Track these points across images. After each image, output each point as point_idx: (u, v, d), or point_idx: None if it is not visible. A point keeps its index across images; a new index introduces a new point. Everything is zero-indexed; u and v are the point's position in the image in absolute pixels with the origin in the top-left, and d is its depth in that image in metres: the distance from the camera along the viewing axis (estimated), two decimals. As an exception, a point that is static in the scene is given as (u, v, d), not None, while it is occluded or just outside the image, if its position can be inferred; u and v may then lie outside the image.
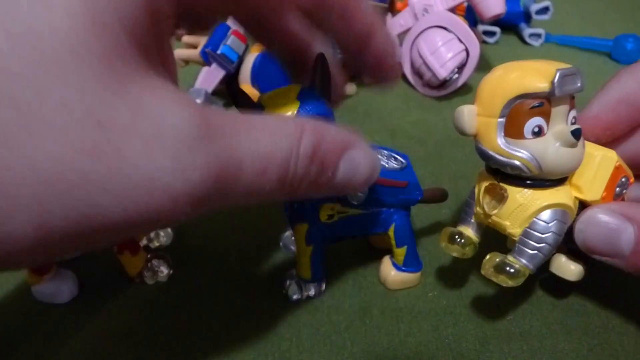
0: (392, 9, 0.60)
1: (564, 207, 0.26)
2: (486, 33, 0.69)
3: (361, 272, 0.34)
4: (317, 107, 0.26)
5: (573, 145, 0.24)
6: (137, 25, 0.17)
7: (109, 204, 0.15)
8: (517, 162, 0.25)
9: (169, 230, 0.36)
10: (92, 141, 0.15)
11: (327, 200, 0.30)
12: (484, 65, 0.63)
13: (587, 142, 0.27)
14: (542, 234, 0.26)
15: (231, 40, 0.51)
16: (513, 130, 0.25)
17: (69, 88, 0.14)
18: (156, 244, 0.36)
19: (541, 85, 0.23)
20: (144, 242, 0.36)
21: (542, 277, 0.31)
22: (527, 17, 0.70)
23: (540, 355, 0.28)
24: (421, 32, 0.55)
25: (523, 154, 0.24)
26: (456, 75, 0.54)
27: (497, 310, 0.30)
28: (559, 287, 0.31)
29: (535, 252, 0.26)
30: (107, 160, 0.15)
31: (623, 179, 0.27)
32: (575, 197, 0.27)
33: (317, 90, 0.27)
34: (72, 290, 0.32)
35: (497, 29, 0.69)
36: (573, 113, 0.25)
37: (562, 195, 0.26)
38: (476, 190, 0.28)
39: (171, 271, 0.34)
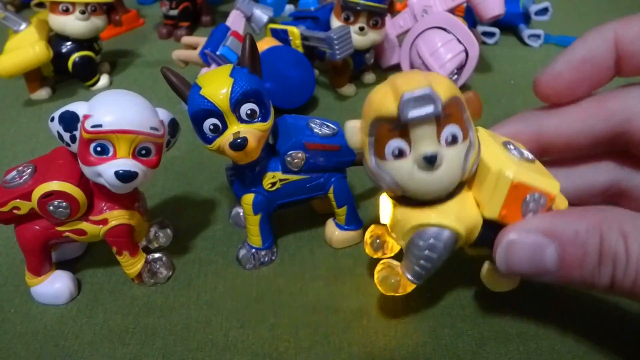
0: (392, 10, 0.60)
1: (438, 226, 0.25)
2: (485, 34, 0.69)
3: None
4: (249, 82, 0.29)
5: (429, 170, 0.23)
6: None
7: None
8: (382, 184, 0.25)
9: (168, 231, 0.36)
10: None
11: (269, 169, 0.32)
12: (483, 66, 0.63)
13: (492, 153, 0.25)
14: (419, 251, 0.25)
15: (230, 41, 0.52)
16: (379, 150, 0.24)
17: None
18: (155, 245, 0.36)
19: (390, 109, 0.22)
20: (143, 243, 0.36)
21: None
22: (526, 18, 0.70)
23: (537, 357, 0.28)
24: (420, 33, 0.55)
25: (386, 175, 0.24)
26: (455, 76, 0.54)
27: (494, 311, 0.30)
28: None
29: (417, 267, 0.26)
30: None
31: (531, 196, 0.24)
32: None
33: (248, 68, 0.30)
34: (71, 291, 0.32)
35: (496, 30, 0.69)
36: (451, 130, 0.23)
37: (436, 214, 0.25)
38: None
39: (170, 273, 0.34)
